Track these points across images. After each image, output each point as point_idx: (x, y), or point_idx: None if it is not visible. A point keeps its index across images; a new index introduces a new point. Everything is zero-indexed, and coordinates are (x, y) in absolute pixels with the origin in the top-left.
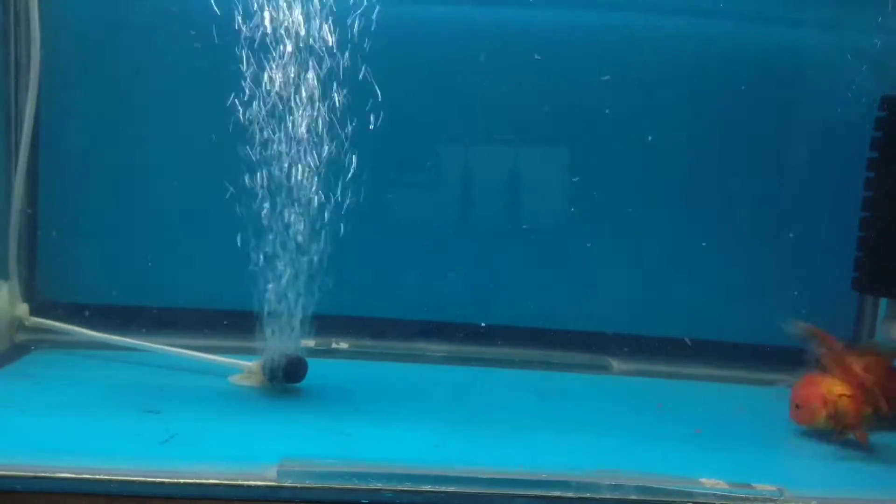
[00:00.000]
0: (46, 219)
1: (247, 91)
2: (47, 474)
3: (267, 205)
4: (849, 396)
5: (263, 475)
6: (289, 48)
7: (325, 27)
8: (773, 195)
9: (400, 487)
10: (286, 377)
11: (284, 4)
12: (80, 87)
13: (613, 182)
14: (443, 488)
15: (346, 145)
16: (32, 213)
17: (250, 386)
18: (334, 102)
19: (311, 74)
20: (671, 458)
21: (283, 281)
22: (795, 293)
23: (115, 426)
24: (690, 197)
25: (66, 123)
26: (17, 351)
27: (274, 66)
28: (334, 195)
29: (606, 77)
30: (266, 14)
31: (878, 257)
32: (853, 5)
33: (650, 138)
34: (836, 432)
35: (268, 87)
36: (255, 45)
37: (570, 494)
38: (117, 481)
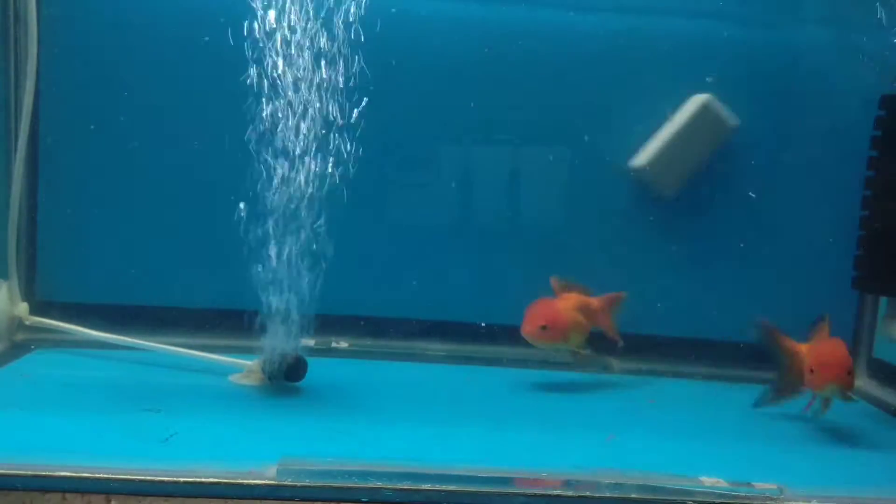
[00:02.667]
0: (46, 218)
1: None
2: (47, 473)
3: (267, 204)
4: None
5: (263, 474)
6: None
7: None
8: (773, 194)
9: (399, 486)
10: (286, 376)
11: None
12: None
13: (613, 181)
14: (442, 487)
15: (347, 146)
16: (32, 213)
17: (250, 385)
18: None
19: (312, 74)
20: (671, 456)
21: (283, 281)
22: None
23: (115, 425)
24: (690, 196)
25: (66, 123)
26: (17, 350)
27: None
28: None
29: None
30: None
31: (878, 256)
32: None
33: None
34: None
35: (269, 86)
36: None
37: (570, 493)
38: (117, 480)
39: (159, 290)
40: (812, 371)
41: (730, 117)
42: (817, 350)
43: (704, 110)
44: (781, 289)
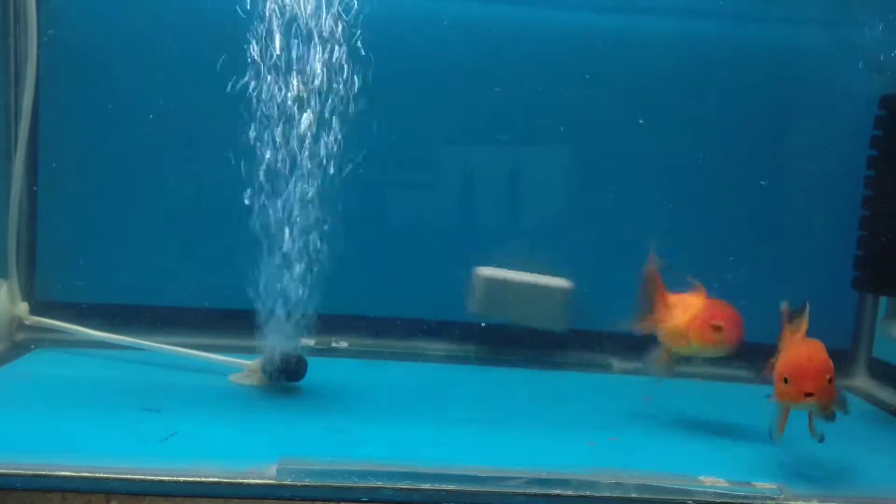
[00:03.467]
0: (46, 218)
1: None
2: (47, 472)
3: (267, 205)
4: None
5: (263, 473)
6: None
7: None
8: (773, 193)
9: (399, 485)
10: (286, 376)
11: None
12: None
13: (613, 181)
14: (442, 486)
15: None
16: (32, 213)
17: (250, 384)
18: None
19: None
20: (671, 455)
21: (283, 280)
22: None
23: (114, 425)
24: (690, 195)
25: (66, 122)
26: (17, 350)
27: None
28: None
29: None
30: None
31: (879, 255)
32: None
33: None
34: None
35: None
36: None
37: (570, 492)
38: (117, 479)
39: (159, 290)
40: (785, 381)
41: (559, 321)
42: (790, 354)
43: (560, 292)
44: (781, 289)
